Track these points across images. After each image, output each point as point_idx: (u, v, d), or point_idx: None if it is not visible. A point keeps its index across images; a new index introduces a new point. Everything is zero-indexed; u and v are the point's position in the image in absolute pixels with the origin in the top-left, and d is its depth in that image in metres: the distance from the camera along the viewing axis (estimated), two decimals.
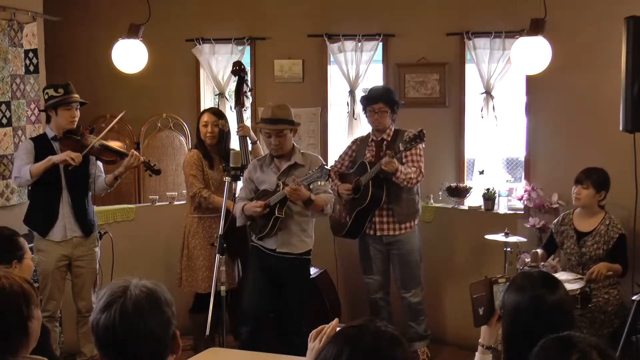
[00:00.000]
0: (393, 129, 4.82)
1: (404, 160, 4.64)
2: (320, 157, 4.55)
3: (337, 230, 4.96)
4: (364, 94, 5.07)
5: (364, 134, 5.04)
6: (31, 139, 4.53)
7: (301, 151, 4.40)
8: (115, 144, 4.61)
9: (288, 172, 4.30)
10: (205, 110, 5.00)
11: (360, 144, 4.97)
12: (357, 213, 4.76)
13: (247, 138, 4.93)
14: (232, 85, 6.18)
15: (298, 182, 4.10)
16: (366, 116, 4.91)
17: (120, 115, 4.63)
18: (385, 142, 4.79)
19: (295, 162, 4.30)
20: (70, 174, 4.34)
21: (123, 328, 1.73)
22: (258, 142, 4.99)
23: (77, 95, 4.42)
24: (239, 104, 5.01)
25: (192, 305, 4.96)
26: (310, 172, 4.11)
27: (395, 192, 4.70)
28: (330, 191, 4.45)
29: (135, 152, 4.52)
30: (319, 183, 4.16)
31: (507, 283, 2.41)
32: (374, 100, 4.77)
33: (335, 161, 5.13)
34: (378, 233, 4.81)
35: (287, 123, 4.25)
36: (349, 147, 5.05)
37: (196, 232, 4.78)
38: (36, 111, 5.22)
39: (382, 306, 4.96)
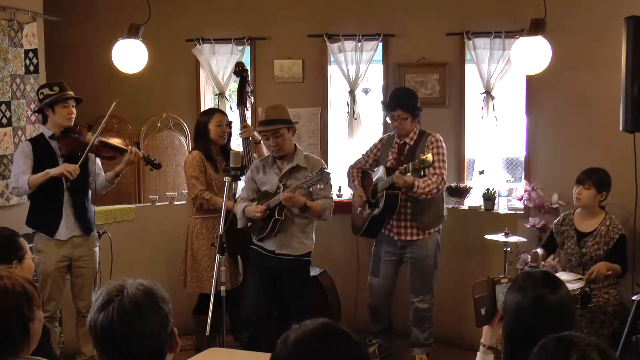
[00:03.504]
0: (417, 132, 4.71)
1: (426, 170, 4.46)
2: (322, 161, 4.53)
3: (355, 230, 4.92)
4: (382, 100, 4.94)
5: (369, 134, 4.95)
6: (28, 140, 4.51)
7: (304, 154, 4.38)
8: (114, 141, 4.58)
9: (290, 174, 4.29)
10: (215, 110, 4.97)
11: (385, 143, 4.85)
12: (371, 218, 4.69)
13: (250, 139, 4.93)
14: (232, 85, 6.19)
15: (293, 188, 4.09)
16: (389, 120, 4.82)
17: (113, 105, 4.44)
18: (407, 147, 4.69)
19: (298, 164, 4.29)
20: None
21: (121, 326, 1.72)
22: (262, 142, 4.99)
23: (72, 92, 4.41)
24: (242, 104, 5.01)
25: (196, 306, 4.97)
26: (309, 175, 4.10)
27: (418, 202, 4.57)
28: (331, 196, 4.42)
29: (134, 148, 4.52)
30: (319, 186, 4.14)
31: (510, 283, 2.41)
32: (391, 108, 4.66)
33: (362, 155, 4.98)
34: (395, 237, 4.72)
35: (281, 122, 4.23)
36: (375, 146, 4.92)
37: (200, 233, 4.78)
38: (34, 110, 5.22)
39: (382, 312, 4.88)
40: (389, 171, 4.56)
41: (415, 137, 4.71)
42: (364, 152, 4.99)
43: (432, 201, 4.61)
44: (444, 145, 4.66)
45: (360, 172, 4.91)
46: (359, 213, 4.84)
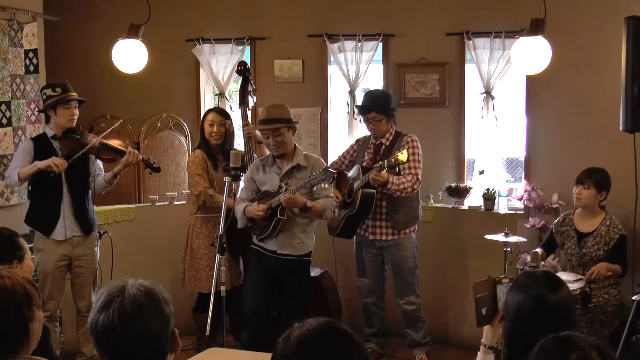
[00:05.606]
0: (393, 133, 4.71)
1: (400, 167, 4.48)
2: (322, 159, 4.53)
3: (331, 230, 4.92)
4: (358, 104, 4.96)
5: (367, 134, 4.90)
6: (31, 139, 4.53)
7: (304, 153, 4.38)
8: (114, 142, 4.59)
9: (290, 174, 4.28)
10: (210, 110, 4.98)
11: (362, 144, 4.87)
12: (347, 218, 4.68)
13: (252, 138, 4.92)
14: (232, 86, 6.19)
15: (297, 187, 4.09)
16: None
17: (116, 124, 4.64)
18: (383, 147, 4.69)
19: (298, 163, 4.28)
20: (70, 173, 4.34)
21: (122, 327, 1.72)
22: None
23: (75, 94, 4.42)
24: (244, 104, 5.01)
25: (196, 305, 4.97)
26: (313, 174, 4.10)
27: (392, 200, 4.59)
28: (332, 195, 4.42)
29: (134, 150, 4.53)
30: (322, 186, 4.14)
31: (511, 283, 2.41)
32: (366, 110, 4.65)
33: (339, 156, 5.02)
34: (371, 237, 4.73)
35: (282, 122, 4.22)
36: (351, 147, 4.96)
37: (200, 232, 4.78)
38: (36, 111, 5.23)
39: (374, 312, 4.88)
40: (365, 171, 4.57)
41: (391, 138, 4.70)
42: (340, 154, 5.02)
43: (407, 200, 4.61)
44: (419, 145, 4.65)
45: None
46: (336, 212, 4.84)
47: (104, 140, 4.49)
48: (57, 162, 4.22)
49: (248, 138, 4.90)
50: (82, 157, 4.35)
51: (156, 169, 4.62)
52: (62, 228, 4.38)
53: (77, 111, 4.43)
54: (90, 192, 4.53)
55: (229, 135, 4.83)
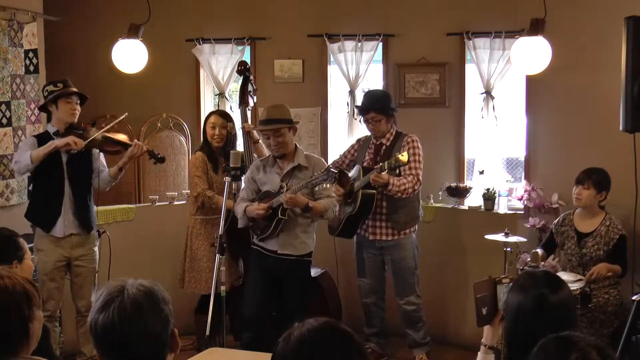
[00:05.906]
0: (394, 133, 4.72)
1: (400, 168, 4.47)
2: (323, 159, 4.52)
3: (331, 230, 4.93)
4: (358, 104, 4.97)
5: (368, 134, 4.90)
6: (33, 136, 4.53)
7: (305, 153, 4.38)
8: (119, 136, 4.58)
9: (291, 174, 4.28)
10: (213, 112, 4.98)
11: (362, 144, 4.87)
12: (347, 218, 4.67)
13: (250, 135, 4.92)
14: (232, 86, 6.19)
15: (299, 187, 4.09)
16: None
17: (122, 117, 4.61)
18: (384, 147, 4.70)
19: (299, 163, 4.28)
20: (72, 169, 4.34)
21: (122, 327, 1.72)
22: (260, 140, 4.99)
23: (75, 89, 4.42)
24: (244, 103, 5.00)
25: (198, 305, 4.97)
26: (315, 174, 4.10)
27: (392, 200, 4.59)
28: (334, 195, 4.41)
29: (138, 142, 4.53)
30: (324, 186, 4.15)
31: (511, 283, 2.41)
32: (365, 111, 4.66)
33: (340, 156, 5.02)
34: (371, 237, 4.73)
35: (283, 122, 4.22)
36: (352, 146, 4.96)
37: (199, 234, 4.78)
38: (36, 111, 5.22)
39: (374, 311, 4.89)
40: (365, 171, 4.57)
41: (391, 138, 4.70)
42: (341, 153, 5.02)
43: (407, 200, 4.61)
44: (420, 145, 4.65)
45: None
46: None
47: (107, 134, 4.49)
48: (75, 140, 4.23)
49: (247, 133, 4.89)
50: (89, 148, 4.35)
51: (161, 159, 4.63)
52: (61, 225, 4.37)
53: (78, 107, 4.43)
54: (92, 190, 4.52)
55: (230, 138, 4.83)
